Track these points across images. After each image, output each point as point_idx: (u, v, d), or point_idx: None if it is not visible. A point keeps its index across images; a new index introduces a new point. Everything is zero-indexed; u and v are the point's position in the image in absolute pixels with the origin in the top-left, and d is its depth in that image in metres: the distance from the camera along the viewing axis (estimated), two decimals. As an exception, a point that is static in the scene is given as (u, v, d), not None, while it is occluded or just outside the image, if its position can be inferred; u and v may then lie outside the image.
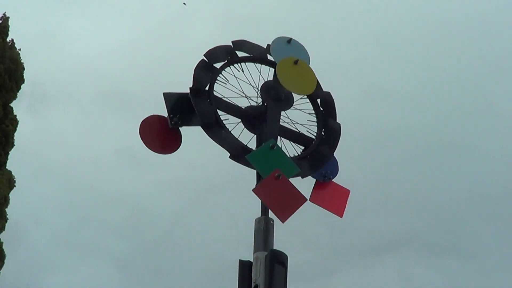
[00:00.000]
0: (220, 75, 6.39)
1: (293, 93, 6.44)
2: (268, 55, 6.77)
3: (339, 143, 6.54)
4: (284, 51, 6.53)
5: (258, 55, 6.72)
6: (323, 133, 6.47)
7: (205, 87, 6.21)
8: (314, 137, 6.47)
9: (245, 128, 6.27)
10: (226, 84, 6.37)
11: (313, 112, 6.65)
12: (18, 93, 15.06)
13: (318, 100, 6.74)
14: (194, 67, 6.29)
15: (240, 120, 6.26)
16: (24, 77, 15.22)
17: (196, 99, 6.03)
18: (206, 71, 6.30)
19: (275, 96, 6.32)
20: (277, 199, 5.53)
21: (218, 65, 6.43)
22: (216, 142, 5.94)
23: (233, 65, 6.53)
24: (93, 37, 30.62)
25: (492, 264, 25.86)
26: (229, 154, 5.93)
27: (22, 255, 22.15)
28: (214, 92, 6.22)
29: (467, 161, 26.56)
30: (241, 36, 6.74)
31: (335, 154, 6.57)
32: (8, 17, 15.40)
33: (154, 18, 30.24)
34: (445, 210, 26.47)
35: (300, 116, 6.56)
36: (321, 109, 6.67)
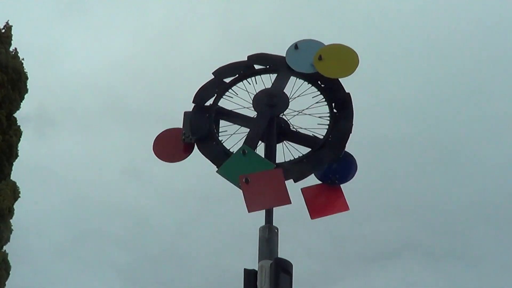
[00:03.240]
0: (230, 90, 6.49)
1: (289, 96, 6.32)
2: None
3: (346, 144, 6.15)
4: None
5: (274, 65, 6.63)
6: (330, 137, 6.13)
7: (205, 102, 6.37)
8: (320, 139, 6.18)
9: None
10: (232, 98, 6.43)
11: (326, 115, 6.29)
12: (21, 103, 14.89)
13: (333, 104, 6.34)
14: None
15: (240, 127, 6.25)
16: (28, 87, 15.05)
17: (192, 114, 6.29)
18: (212, 87, 6.45)
19: (267, 102, 6.23)
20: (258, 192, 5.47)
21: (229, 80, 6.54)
22: (203, 154, 6.08)
23: (246, 79, 6.56)
24: (93, 52, 30.76)
25: (495, 269, 25.81)
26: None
27: (26, 266, 22.13)
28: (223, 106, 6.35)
29: (468, 167, 26.59)
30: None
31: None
32: (11, 26, 15.16)
33: (154, 32, 30.40)
34: (447, 216, 26.47)
35: (309, 120, 6.36)
36: (335, 111, 6.27)
